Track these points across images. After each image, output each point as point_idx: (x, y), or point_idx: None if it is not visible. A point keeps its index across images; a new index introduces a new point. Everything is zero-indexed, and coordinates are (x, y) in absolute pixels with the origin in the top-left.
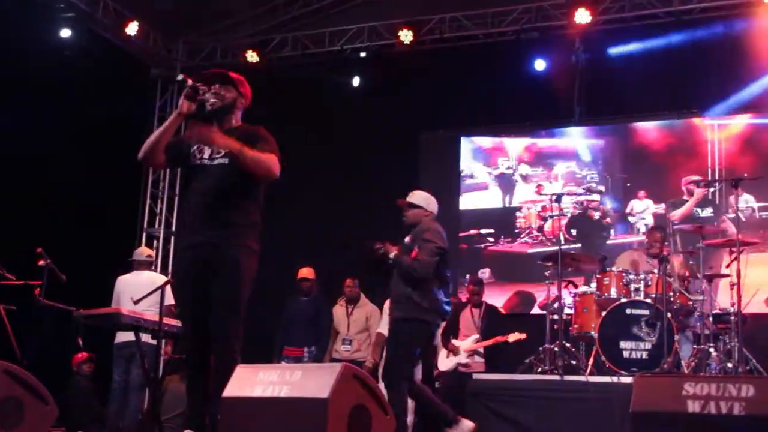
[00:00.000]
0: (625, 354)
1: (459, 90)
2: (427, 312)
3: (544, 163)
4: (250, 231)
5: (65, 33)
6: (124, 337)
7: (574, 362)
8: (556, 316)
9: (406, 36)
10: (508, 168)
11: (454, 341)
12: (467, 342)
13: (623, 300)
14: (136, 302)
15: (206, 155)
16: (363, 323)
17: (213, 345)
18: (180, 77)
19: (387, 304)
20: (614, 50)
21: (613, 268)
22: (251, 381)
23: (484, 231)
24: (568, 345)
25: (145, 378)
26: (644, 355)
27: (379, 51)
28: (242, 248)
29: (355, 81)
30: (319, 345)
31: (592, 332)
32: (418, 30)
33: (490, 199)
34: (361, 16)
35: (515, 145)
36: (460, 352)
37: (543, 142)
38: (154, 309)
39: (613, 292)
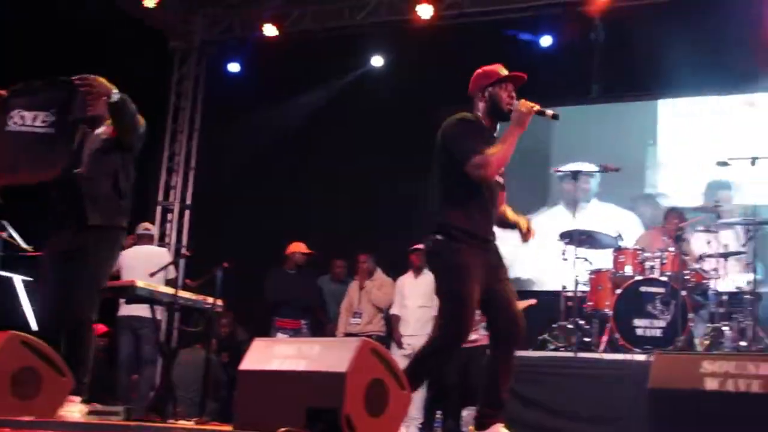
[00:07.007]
0: (639, 332)
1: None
2: None
3: None
4: None
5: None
6: (129, 310)
7: (587, 339)
8: (570, 293)
9: None
10: None
11: None
12: None
13: (638, 278)
14: (151, 275)
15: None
16: (376, 297)
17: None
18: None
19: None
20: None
21: (629, 246)
22: (268, 354)
23: None
24: (581, 322)
25: (160, 351)
26: (658, 332)
27: None
28: None
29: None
30: (312, 318)
31: (607, 310)
32: None
33: None
34: None
35: None
36: None
37: None
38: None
39: (628, 270)
